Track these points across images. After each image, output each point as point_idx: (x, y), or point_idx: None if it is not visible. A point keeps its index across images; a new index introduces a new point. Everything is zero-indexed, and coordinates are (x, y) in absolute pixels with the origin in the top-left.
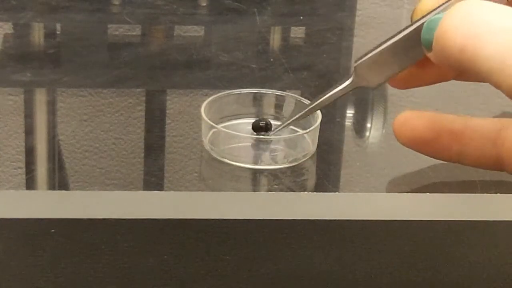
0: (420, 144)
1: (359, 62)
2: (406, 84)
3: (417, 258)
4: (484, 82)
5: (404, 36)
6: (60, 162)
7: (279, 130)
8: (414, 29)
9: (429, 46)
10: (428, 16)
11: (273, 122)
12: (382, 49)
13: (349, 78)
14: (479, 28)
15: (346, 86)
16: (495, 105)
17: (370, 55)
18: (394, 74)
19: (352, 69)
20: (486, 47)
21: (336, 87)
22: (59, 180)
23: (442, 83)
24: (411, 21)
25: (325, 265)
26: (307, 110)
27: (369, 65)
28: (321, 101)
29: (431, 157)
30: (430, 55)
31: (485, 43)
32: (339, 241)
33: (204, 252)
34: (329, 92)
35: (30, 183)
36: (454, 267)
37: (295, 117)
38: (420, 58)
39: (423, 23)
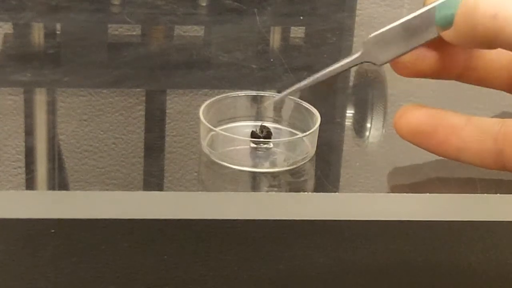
0: (418, 137)
1: (369, 37)
2: (409, 70)
3: (417, 258)
4: (509, 49)
5: (415, 16)
6: (60, 162)
7: (282, 97)
8: (426, 10)
9: (446, 23)
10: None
11: (272, 125)
12: (392, 27)
13: (358, 52)
14: None
15: (354, 59)
16: (495, 105)
17: (380, 31)
18: (400, 54)
19: (362, 44)
20: None
21: (345, 59)
22: (59, 180)
23: (442, 82)
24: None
25: (325, 265)
26: (314, 79)
27: (377, 41)
28: (329, 71)
29: (429, 151)
30: (446, 33)
31: None
32: (339, 241)
33: (204, 252)
34: (337, 64)
35: (30, 183)
36: (454, 267)
37: (301, 85)
38: (427, 41)
39: (436, 5)
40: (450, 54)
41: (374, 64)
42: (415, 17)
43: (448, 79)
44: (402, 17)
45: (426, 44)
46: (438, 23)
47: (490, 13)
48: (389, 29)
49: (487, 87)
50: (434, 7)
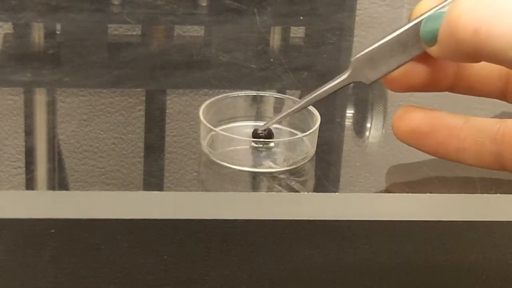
0: (416, 138)
1: (356, 56)
2: (399, 85)
3: (417, 258)
4: (495, 63)
5: (401, 32)
6: (60, 162)
7: (273, 123)
8: (411, 26)
9: (431, 39)
10: (426, 14)
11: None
12: (379, 45)
13: (346, 72)
14: (493, 9)
15: (342, 80)
16: (495, 106)
17: (367, 50)
18: (389, 71)
19: (350, 63)
20: (501, 25)
21: (333, 81)
22: (59, 180)
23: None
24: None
25: (325, 265)
26: (303, 103)
27: (365, 60)
28: (318, 94)
29: (428, 153)
30: (432, 48)
31: (500, 22)
32: (339, 241)
33: (204, 252)
34: (325, 86)
35: (30, 183)
36: (454, 267)
37: (290, 110)
38: (415, 56)
39: (421, 20)
40: (439, 67)
41: (364, 83)
42: (400, 33)
43: (439, 91)
44: (402, 19)
45: (414, 59)
46: (423, 39)
47: (472, 28)
48: (376, 47)
49: (479, 96)
50: (419, 23)
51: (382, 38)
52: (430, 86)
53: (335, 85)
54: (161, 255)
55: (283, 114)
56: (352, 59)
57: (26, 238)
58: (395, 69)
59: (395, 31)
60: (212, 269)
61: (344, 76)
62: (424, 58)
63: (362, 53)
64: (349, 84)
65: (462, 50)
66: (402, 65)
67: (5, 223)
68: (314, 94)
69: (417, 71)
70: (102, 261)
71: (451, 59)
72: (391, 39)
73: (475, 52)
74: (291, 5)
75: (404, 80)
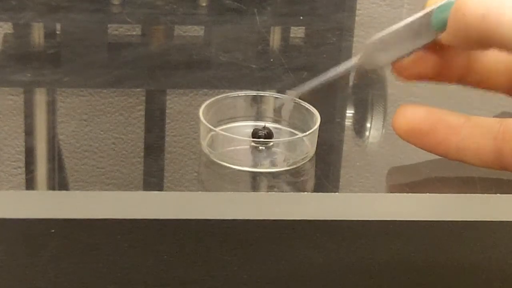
0: (417, 136)
1: (369, 40)
2: (409, 73)
3: (417, 258)
4: (505, 50)
5: (415, 19)
6: (60, 162)
7: (281, 106)
8: (425, 14)
9: (442, 26)
10: (439, 3)
11: (272, 125)
12: (392, 30)
13: (358, 55)
14: None
15: (354, 63)
16: (495, 105)
17: (380, 34)
18: (400, 57)
19: (362, 47)
20: (510, 11)
21: (345, 63)
22: (59, 180)
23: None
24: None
25: (325, 265)
26: (311, 85)
27: (377, 45)
28: (327, 77)
29: (428, 151)
30: (442, 35)
31: (509, 7)
32: (339, 241)
33: (204, 252)
34: (335, 69)
35: (30, 183)
36: (454, 267)
37: (298, 92)
38: (426, 43)
39: (434, 8)
40: (449, 57)
41: (373, 68)
42: (414, 20)
43: (448, 82)
44: (402, 19)
45: (425, 48)
46: (434, 27)
47: (479, 13)
48: (389, 32)
49: (487, 89)
50: (431, 11)
51: (395, 24)
52: (439, 76)
53: (346, 67)
54: (161, 255)
55: (290, 97)
56: (365, 42)
57: (26, 238)
58: (406, 55)
59: (408, 18)
60: (212, 269)
61: (355, 59)
62: (435, 48)
63: (374, 37)
64: (360, 67)
65: (471, 36)
66: (413, 52)
67: (5, 223)
68: (325, 76)
69: (427, 59)
70: (102, 261)
71: (461, 45)
72: (404, 25)
73: (484, 38)
74: (291, 5)
75: (414, 67)
